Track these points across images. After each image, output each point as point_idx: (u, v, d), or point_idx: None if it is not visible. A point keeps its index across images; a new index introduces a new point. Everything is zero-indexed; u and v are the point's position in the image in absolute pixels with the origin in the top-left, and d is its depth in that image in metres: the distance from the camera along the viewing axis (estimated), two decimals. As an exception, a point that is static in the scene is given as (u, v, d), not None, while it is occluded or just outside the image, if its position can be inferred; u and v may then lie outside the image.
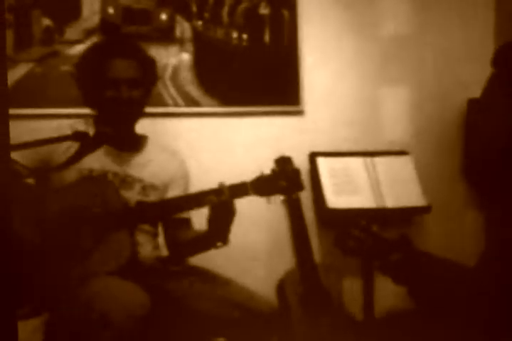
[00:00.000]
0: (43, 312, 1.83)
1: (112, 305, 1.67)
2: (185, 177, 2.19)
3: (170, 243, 2.14)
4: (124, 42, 2.17)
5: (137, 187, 2.05)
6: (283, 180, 1.92)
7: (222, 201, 1.87)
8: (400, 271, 1.41)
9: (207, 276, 2.06)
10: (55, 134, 1.72)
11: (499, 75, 1.36)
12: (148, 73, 2.07)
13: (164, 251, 2.16)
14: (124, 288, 1.78)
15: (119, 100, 1.99)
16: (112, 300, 1.70)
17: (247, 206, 1.97)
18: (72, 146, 1.69)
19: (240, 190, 1.89)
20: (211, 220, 1.92)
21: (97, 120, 2.09)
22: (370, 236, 1.49)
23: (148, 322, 1.71)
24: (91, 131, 1.64)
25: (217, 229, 1.94)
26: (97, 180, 1.97)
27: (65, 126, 2.01)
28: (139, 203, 1.92)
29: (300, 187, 1.96)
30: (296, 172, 1.95)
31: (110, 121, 2.01)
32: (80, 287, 1.76)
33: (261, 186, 1.90)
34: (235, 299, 1.94)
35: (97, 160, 1.98)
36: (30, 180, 1.98)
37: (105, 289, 1.74)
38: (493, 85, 1.38)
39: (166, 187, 2.12)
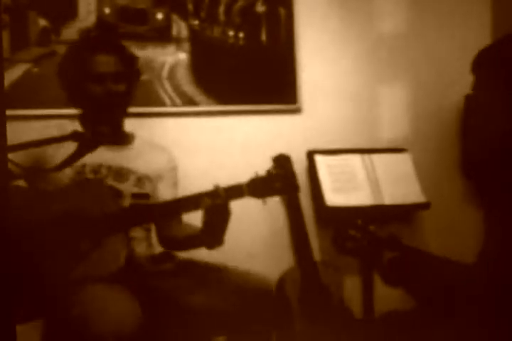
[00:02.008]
0: (40, 315, 1.82)
1: (104, 323, 1.64)
2: (174, 171, 2.21)
3: (161, 237, 2.15)
4: (104, 39, 2.20)
5: (132, 178, 2.06)
6: (278, 181, 1.91)
7: (217, 204, 1.86)
8: (395, 270, 1.41)
9: (197, 268, 2.05)
10: (42, 135, 1.72)
11: (482, 80, 1.37)
12: (130, 68, 2.09)
13: (158, 249, 2.16)
14: (117, 302, 1.74)
15: (106, 93, 2.01)
16: (105, 317, 1.66)
17: (245, 203, 1.96)
18: (63, 146, 1.68)
19: (236, 192, 1.88)
20: (206, 222, 1.92)
21: (82, 119, 2.10)
22: (366, 236, 1.49)
23: (140, 335, 1.68)
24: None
25: (212, 231, 1.94)
26: (92, 183, 1.97)
27: (52, 126, 2.04)
28: (133, 206, 1.91)
29: (296, 188, 1.97)
30: (291, 172, 1.96)
31: (97, 119, 2.04)
32: (74, 295, 1.74)
33: (256, 188, 1.89)
34: (231, 284, 1.93)
35: (89, 155, 1.98)
36: (21, 182, 1.98)
37: (98, 304, 1.71)
38: (479, 90, 1.38)
39: (157, 179, 2.14)
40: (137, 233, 2.05)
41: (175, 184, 2.20)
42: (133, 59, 2.12)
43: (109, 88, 2.01)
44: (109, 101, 2.02)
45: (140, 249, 2.05)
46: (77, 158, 1.60)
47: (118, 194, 2.00)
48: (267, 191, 1.90)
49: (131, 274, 1.88)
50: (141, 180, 2.08)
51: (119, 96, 2.04)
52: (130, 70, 2.09)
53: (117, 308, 1.71)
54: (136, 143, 2.17)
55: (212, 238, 1.96)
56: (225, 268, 2.03)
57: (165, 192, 2.15)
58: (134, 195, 2.05)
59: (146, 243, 2.10)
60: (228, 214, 1.90)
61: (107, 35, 2.49)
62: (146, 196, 2.09)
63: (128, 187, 2.04)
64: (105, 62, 2.02)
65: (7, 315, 0.86)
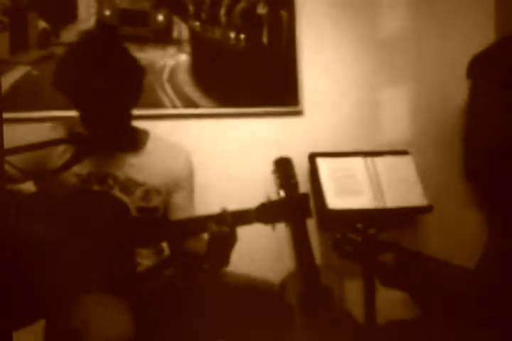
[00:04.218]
0: (36, 321, 1.79)
1: (95, 337, 1.61)
2: (191, 176, 2.12)
3: (172, 250, 2.09)
4: (101, 49, 1.92)
5: (139, 191, 1.98)
6: (290, 207, 1.83)
7: (223, 231, 1.78)
8: (393, 272, 1.40)
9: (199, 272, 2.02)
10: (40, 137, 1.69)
11: (478, 86, 1.36)
12: (131, 79, 1.92)
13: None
14: (108, 315, 1.70)
15: (98, 115, 1.87)
16: (96, 331, 1.63)
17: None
18: (56, 148, 1.65)
19: (243, 218, 1.81)
20: (209, 248, 1.85)
21: (82, 121, 1.95)
22: (366, 240, 1.48)
23: None
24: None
25: (215, 257, 1.88)
26: (96, 195, 1.90)
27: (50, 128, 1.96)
28: (135, 223, 1.85)
29: (308, 213, 1.86)
30: (305, 197, 1.86)
31: (94, 121, 1.89)
32: (71, 305, 1.71)
33: (266, 214, 1.82)
34: (233, 288, 1.90)
35: (96, 163, 1.93)
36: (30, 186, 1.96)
37: (91, 316, 1.68)
38: (475, 96, 1.38)
39: (170, 190, 2.06)
40: (144, 249, 1.99)
41: (191, 192, 2.11)
42: (132, 60, 1.96)
43: (100, 107, 1.84)
44: (100, 121, 1.87)
45: (148, 262, 2.00)
46: (76, 162, 1.59)
47: (124, 208, 1.89)
48: (277, 217, 1.82)
49: (132, 285, 1.84)
50: (148, 193, 1.99)
51: (111, 117, 1.88)
52: (130, 81, 1.92)
53: (108, 323, 1.66)
54: (149, 146, 2.05)
55: (215, 262, 1.91)
56: (227, 272, 2.00)
57: (180, 203, 2.08)
58: (140, 209, 1.97)
59: (156, 257, 2.04)
60: (234, 241, 1.83)
61: (106, 44, 2.10)
62: (154, 210, 2.02)
63: (134, 201, 1.96)
64: (99, 79, 1.82)
65: (4, 321, 0.85)
